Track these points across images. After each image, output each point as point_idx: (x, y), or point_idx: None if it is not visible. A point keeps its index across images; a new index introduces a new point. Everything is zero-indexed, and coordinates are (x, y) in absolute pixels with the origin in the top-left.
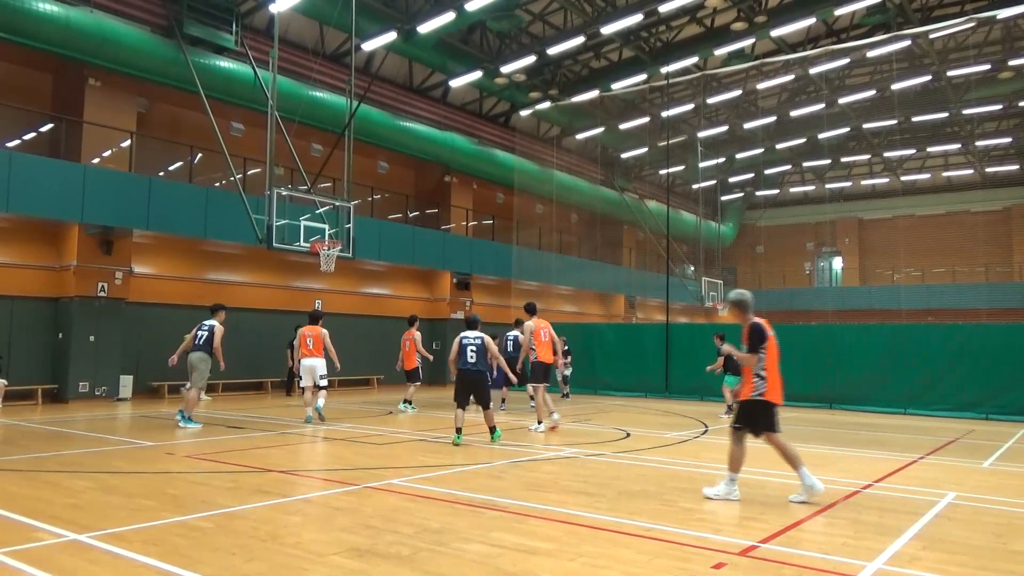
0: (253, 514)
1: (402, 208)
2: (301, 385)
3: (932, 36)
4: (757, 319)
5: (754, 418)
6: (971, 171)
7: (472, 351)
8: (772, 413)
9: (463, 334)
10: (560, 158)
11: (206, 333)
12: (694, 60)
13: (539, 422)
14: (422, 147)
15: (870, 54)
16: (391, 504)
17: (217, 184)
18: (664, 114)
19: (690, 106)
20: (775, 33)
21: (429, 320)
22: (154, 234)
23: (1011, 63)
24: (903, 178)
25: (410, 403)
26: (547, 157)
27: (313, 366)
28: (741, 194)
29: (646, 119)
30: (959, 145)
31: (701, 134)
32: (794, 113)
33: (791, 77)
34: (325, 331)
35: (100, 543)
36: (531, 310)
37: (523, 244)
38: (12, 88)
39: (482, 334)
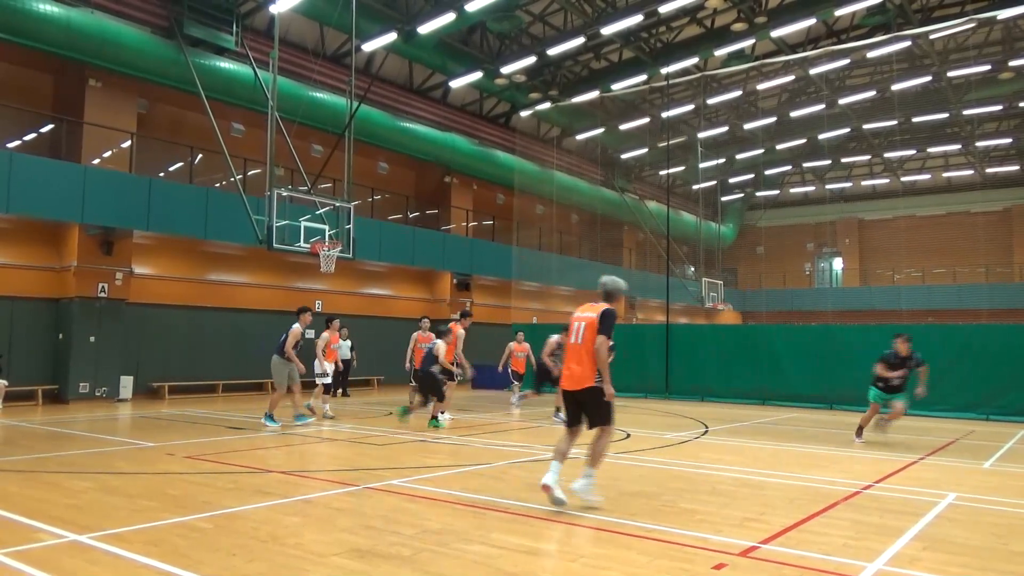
0: (254, 515)
1: (402, 209)
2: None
3: (932, 37)
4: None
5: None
6: (971, 172)
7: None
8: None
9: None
10: (560, 159)
11: (285, 336)
12: (694, 61)
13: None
14: (422, 148)
15: (870, 55)
16: (392, 505)
17: (217, 185)
18: (664, 115)
19: (690, 107)
20: (775, 34)
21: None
22: (154, 235)
23: (1011, 64)
24: (903, 179)
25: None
26: (547, 158)
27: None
28: (741, 195)
29: (646, 120)
30: (959, 146)
31: (701, 135)
32: (794, 114)
33: (791, 78)
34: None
35: (101, 544)
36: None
37: (523, 245)
38: (13, 88)
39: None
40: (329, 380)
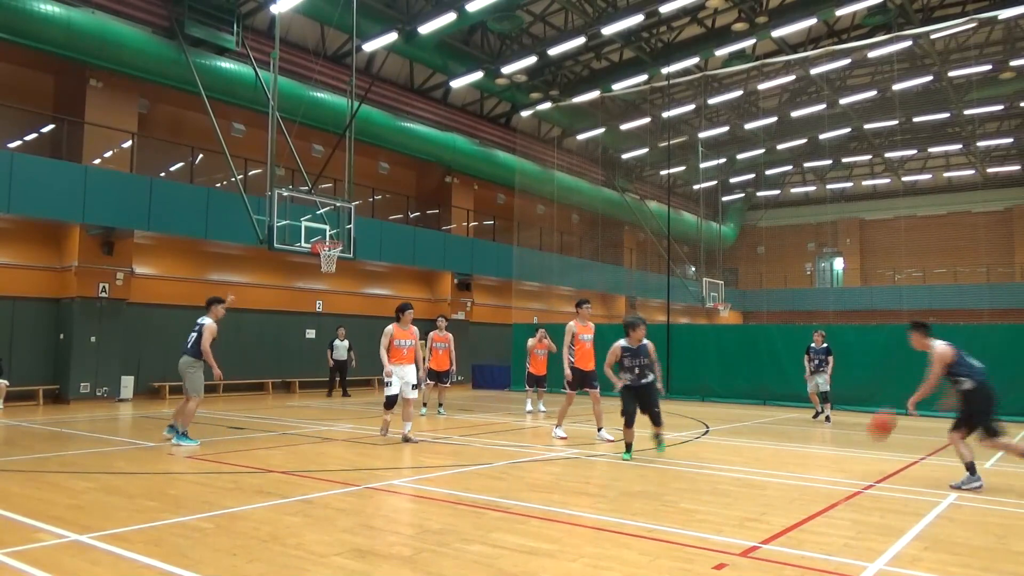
0: (254, 515)
1: (403, 209)
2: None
3: (933, 37)
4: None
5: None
6: (972, 172)
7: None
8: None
9: None
10: (561, 159)
11: (195, 334)
12: (695, 61)
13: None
14: (423, 148)
15: (871, 55)
16: (392, 505)
17: (218, 185)
18: (665, 115)
19: (691, 107)
20: (776, 34)
21: (431, 320)
22: (155, 235)
23: (1012, 63)
24: (904, 179)
25: (440, 405)
26: (548, 158)
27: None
28: (742, 195)
29: (647, 120)
30: (960, 146)
31: (702, 135)
32: (795, 114)
33: (792, 78)
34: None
35: (101, 544)
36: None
37: (524, 245)
38: (14, 89)
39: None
40: (395, 391)
